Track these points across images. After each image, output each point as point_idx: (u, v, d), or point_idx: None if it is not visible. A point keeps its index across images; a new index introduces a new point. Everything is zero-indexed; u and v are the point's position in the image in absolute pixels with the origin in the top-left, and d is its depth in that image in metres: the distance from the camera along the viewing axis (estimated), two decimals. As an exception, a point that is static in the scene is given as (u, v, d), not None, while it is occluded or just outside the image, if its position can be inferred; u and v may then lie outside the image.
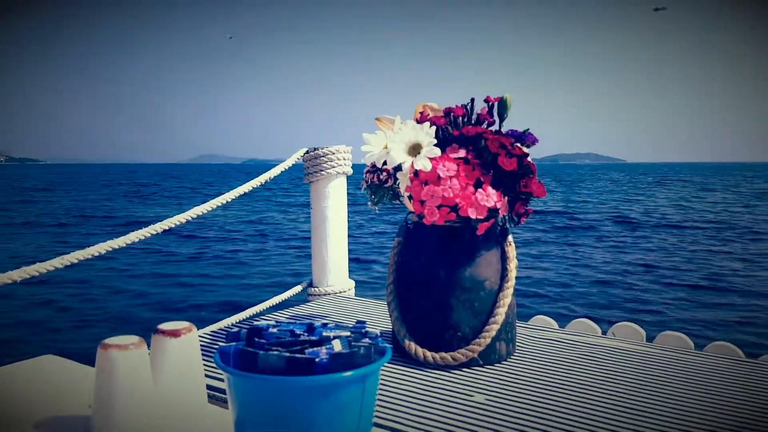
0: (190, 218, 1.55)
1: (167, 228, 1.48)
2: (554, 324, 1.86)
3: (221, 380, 0.97)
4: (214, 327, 1.46)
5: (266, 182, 1.87)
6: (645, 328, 1.82)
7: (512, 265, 1.09)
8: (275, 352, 0.63)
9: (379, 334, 0.71)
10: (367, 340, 0.69)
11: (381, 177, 1.15)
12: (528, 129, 1.11)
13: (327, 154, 1.94)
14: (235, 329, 0.71)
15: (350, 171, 2.01)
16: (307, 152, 1.97)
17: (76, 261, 1.28)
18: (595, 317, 1.94)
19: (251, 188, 1.80)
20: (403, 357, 1.08)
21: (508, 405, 0.90)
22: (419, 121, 1.11)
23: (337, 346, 0.65)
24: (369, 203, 1.18)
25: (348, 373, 0.61)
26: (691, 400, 0.93)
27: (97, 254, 1.31)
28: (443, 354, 1.04)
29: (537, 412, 0.88)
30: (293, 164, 1.99)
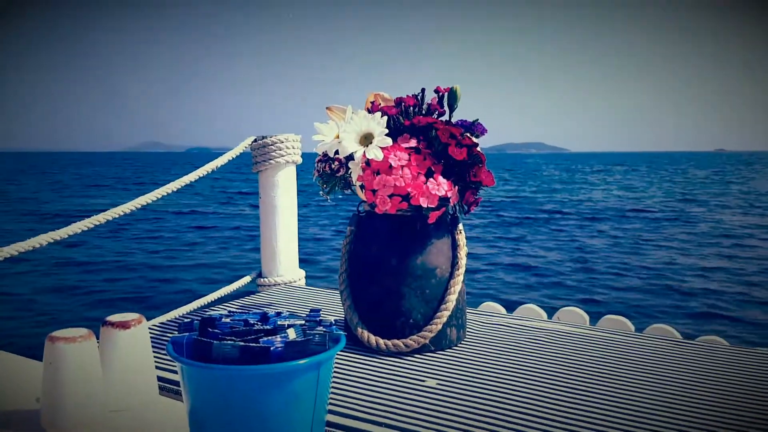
0: (134, 208, 1.52)
1: (106, 220, 1.44)
2: (502, 310, 1.90)
3: (173, 372, 0.95)
4: (164, 318, 1.44)
5: (213, 171, 1.84)
6: (589, 313, 1.89)
7: (462, 252, 1.11)
8: (229, 342, 0.63)
9: (333, 322, 0.71)
10: (321, 328, 0.69)
11: (333, 166, 1.15)
12: (477, 119, 1.13)
13: (276, 143, 1.92)
14: (187, 320, 0.71)
15: (300, 160, 2.00)
16: (255, 141, 1.95)
17: (16, 253, 1.24)
18: (542, 303, 1.99)
19: (197, 177, 1.77)
20: (356, 345, 1.09)
21: (459, 388, 0.92)
22: (370, 111, 1.11)
23: (291, 334, 0.66)
24: (321, 192, 1.19)
25: (303, 361, 0.61)
26: (631, 379, 0.98)
27: (38, 245, 1.27)
28: (395, 341, 1.05)
29: (487, 394, 0.90)
30: (241, 153, 1.96)
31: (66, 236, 1.33)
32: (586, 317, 1.86)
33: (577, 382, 0.96)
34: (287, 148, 1.95)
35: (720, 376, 1.00)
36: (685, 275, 8.72)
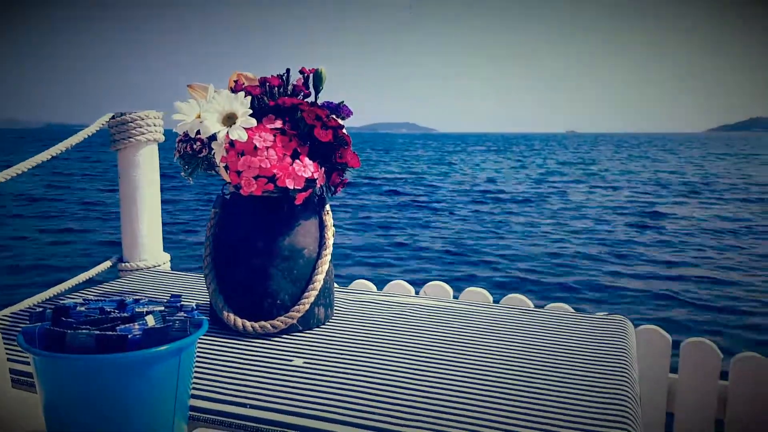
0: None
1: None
2: (373, 287, 1.95)
3: (26, 363, 0.90)
4: (15, 308, 1.34)
5: (68, 149, 1.72)
6: (453, 287, 1.98)
7: (330, 233, 1.13)
8: (84, 331, 0.60)
9: (194, 306, 0.70)
10: (182, 313, 0.68)
11: (195, 147, 1.12)
12: (343, 101, 1.14)
13: (136, 120, 1.83)
14: (39, 309, 0.67)
15: (162, 138, 1.91)
16: (114, 117, 1.84)
17: None
18: (410, 279, 2.07)
19: (50, 156, 1.65)
20: (222, 329, 1.08)
21: (327, 365, 0.94)
22: (234, 91, 1.09)
23: (150, 321, 0.64)
24: (182, 174, 1.15)
25: (162, 348, 0.60)
26: (488, 346, 1.05)
27: None
28: (263, 323, 1.05)
29: (354, 368, 0.93)
30: (98, 130, 1.85)
31: None
32: (450, 291, 1.96)
33: (441, 352, 1.01)
34: (148, 125, 1.86)
35: (562, 338, 1.10)
36: (544, 251, 9.36)
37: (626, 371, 0.96)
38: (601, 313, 1.30)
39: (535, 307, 1.54)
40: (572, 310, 1.58)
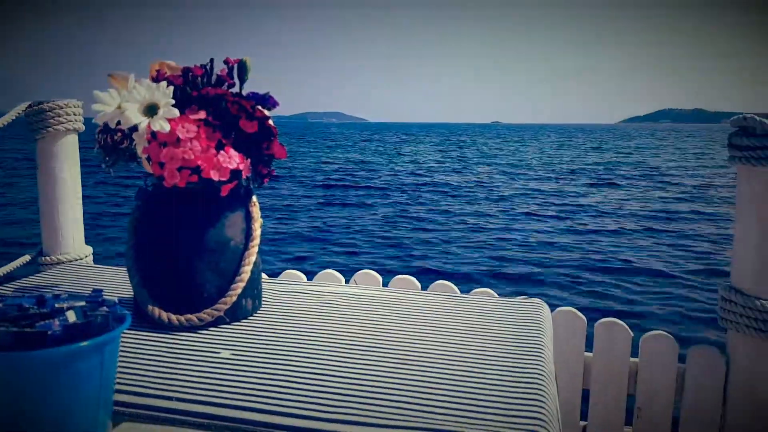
0: None
1: None
2: (303, 277, 1.96)
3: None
4: None
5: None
6: (383, 275, 2.02)
7: (257, 224, 1.13)
8: (2, 328, 0.59)
9: (117, 301, 0.70)
10: (104, 308, 0.67)
11: (115, 138, 1.09)
12: (269, 92, 1.14)
13: (54, 109, 1.76)
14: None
15: (82, 127, 1.85)
16: (31, 106, 1.77)
17: None
18: (341, 269, 2.09)
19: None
20: (147, 323, 1.06)
21: (254, 356, 0.95)
22: (155, 80, 1.07)
23: (71, 317, 0.63)
24: (103, 165, 1.12)
25: (84, 344, 0.60)
26: (416, 332, 1.08)
27: None
28: (189, 316, 1.05)
29: (282, 358, 0.94)
30: (14, 119, 1.77)
31: None
32: (380, 279, 1.99)
33: (369, 339, 1.03)
34: (67, 114, 1.80)
35: (484, 322, 1.15)
36: (468, 239, 9.57)
37: (541, 351, 1.01)
38: (521, 297, 1.36)
39: (462, 293, 1.59)
40: (496, 295, 1.64)
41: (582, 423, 1.80)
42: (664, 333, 1.71)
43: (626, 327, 1.73)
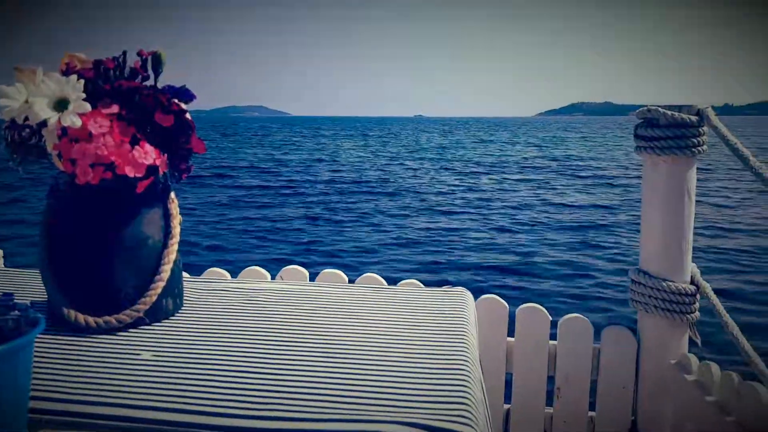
0: None
1: None
2: (227, 275, 1.92)
3: None
4: None
5: None
6: (309, 270, 2.01)
7: (176, 221, 1.10)
8: None
9: (29, 305, 0.67)
10: (16, 312, 0.64)
11: (23, 134, 1.04)
12: (185, 85, 1.11)
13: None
14: None
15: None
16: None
17: None
18: (265, 265, 2.06)
19: None
20: (63, 326, 1.02)
21: (176, 357, 0.93)
22: (65, 73, 1.03)
23: (-22, 322, 0.60)
24: (10, 163, 1.06)
25: (-6, 350, 0.57)
26: (343, 325, 1.08)
27: None
28: (107, 317, 1.01)
29: (205, 358, 0.93)
30: None
31: None
32: (306, 273, 1.98)
33: (295, 335, 1.03)
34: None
35: (410, 312, 1.17)
36: (393, 231, 9.66)
37: (465, 338, 1.04)
38: (445, 287, 1.39)
39: (389, 284, 1.60)
40: (422, 286, 1.67)
41: (506, 406, 1.86)
42: (580, 316, 1.79)
43: (545, 312, 1.80)
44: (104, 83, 1.05)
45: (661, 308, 1.66)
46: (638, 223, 1.77)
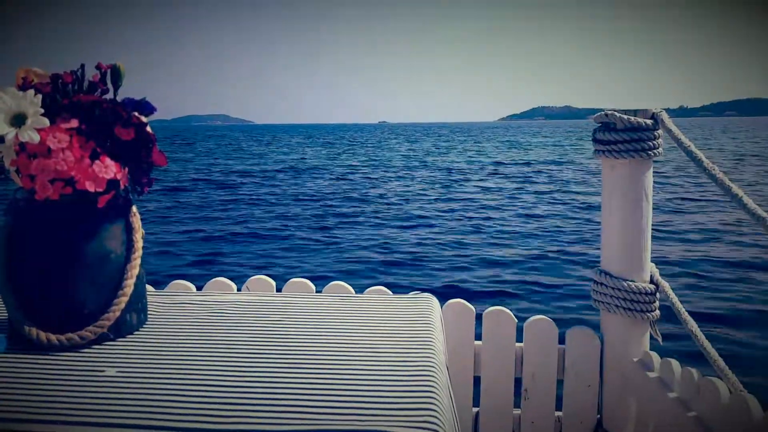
0: None
1: None
2: (192, 288, 1.90)
3: None
4: None
5: None
6: (276, 280, 2.00)
7: (138, 235, 1.09)
8: None
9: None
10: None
11: (-21, 150, 1.02)
12: (145, 97, 1.10)
13: None
14: None
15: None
16: None
17: None
18: (232, 276, 2.05)
19: None
20: (25, 345, 1.00)
21: (141, 372, 0.92)
22: (22, 88, 1.01)
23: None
24: None
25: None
26: (311, 335, 1.08)
27: None
28: (69, 334, 0.99)
29: (171, 372, 0.92)
30: None
31: None
32: (273, 284, 1.97)
33: (262, 347, 1.03)
34: None
35: (377, 319, 1.17)
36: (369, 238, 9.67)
37: (431, 343, 1.05)
38: (412, 293, 1.40)
39: (356, 292, 1.61)
40: (390, 293, 1.68)
41: (475, 409, 1.88)
42: (545, 318, 1.82)
43: (511, 314, 1.83)
44: (62, 97, 1.04)
45: (622, 307, 1.70)
46: (600, 224, 1.81)
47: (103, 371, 0.92)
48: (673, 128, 1.60)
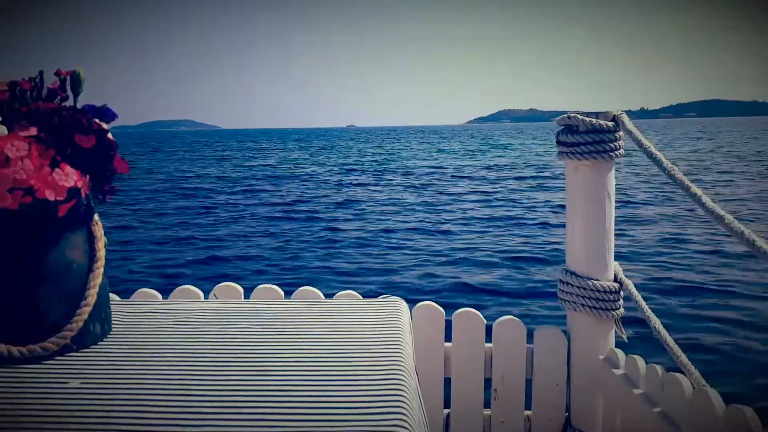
0: None
1: None
2: (158, 296, 1.88)
3: None
4: None
5: None
6: (244, 286, 1.98)
7: (101, 244, 1.07)
8: None
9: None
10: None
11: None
12: (106, 104, 1.09)
13: None
14: None
15: None
16: None
17: None
18: (200, 283, 2.02)
19: None
20: None
21: (106, 383, 0.91)
22: (-23, 96, 0.99)
23: None
24: None
25: None
26: (276, 340, 1.08)
27: None
28: (32, 346, 0.97)
29: (136, 382, 0.90)
30: None
31: None
32: (241, 290, 1.95)
33: (229, 354, 1.02)
34: None
35: (346, 324, 1.17)
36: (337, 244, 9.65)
37: (400, 346, 1.05)
38: (381, 297, 1.40)
39: (325, 297, 1.60)
40: (360, 297, 1.68)
41: (446, 410, 1.89)
42: (514, 318, 1.84)
43: (480, 315, 1.84)
44: (21, 105, 1.01)
45: (588, 306, 1.73)
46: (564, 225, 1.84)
47: (66, 383, 0.90)
48: (633, 129, 1.63)
